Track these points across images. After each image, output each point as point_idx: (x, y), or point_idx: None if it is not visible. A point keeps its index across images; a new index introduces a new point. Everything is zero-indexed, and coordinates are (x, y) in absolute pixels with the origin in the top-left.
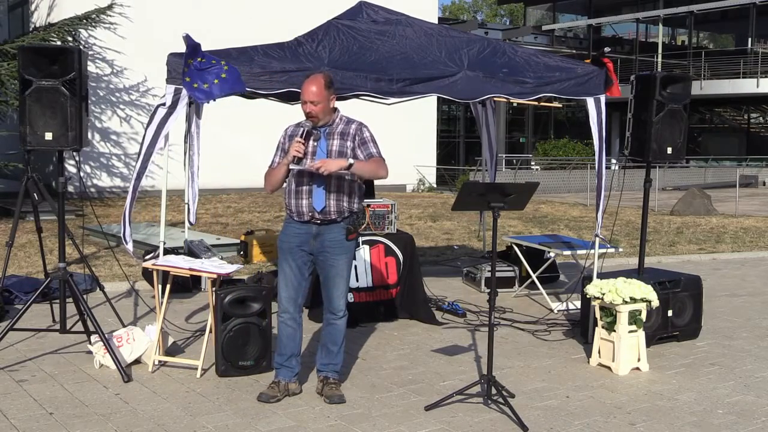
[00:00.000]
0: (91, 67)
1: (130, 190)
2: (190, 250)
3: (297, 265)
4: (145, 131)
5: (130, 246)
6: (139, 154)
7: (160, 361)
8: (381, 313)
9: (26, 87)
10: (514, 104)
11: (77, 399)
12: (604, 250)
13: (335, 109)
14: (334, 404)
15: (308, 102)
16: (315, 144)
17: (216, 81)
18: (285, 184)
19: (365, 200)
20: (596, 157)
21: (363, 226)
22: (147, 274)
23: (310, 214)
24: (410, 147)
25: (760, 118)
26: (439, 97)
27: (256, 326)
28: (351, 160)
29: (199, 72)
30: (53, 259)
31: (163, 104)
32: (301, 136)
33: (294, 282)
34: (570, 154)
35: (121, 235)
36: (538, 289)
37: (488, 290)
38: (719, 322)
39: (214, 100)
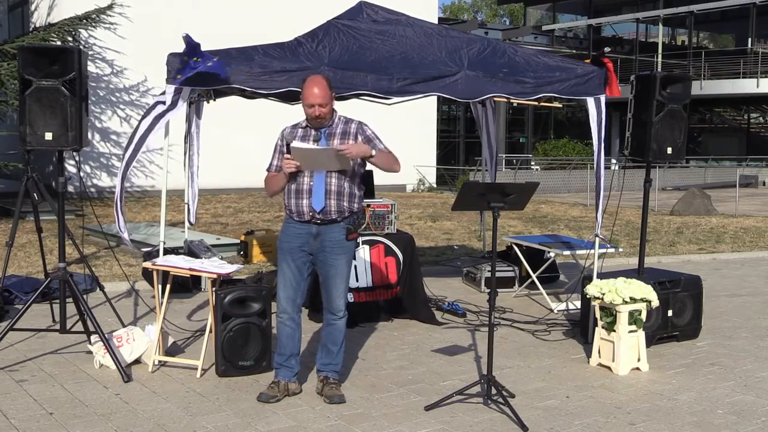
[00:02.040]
0: (91, 67)
1: (119, 178)
2: (190, 250)
3: (297, 266)
4: (140, 122)
5: (125, 235)
6: (130, 141)
7: (160, 361)
8: (381, 313)
9: (26, 87)
10: (514, 104)
11: (77, 399)
12: (604, 250)
13: (333, 110)
14: (334, 404)
15: (316, 105)
16: (316, 144)
17: (201, 68)
18: (292, 183)
19: (365, 200)
20: (595, 157)
21: (363, 227)
22: (147, 274)
23: (310, 214)
24: (410, 147)
25: (760, 118)
26: (439, 97)
27: (256, 326)
28: (374, 151)
29: (192, 70)
30: (53, 259)
31: (163, 102)
32: (287, 151)
33: (293, 282)
34: (570, 154)
35: (116, 226)
36: (538, 289)
37: (488, 290)
38: (719, 322)
39: (190, 75)
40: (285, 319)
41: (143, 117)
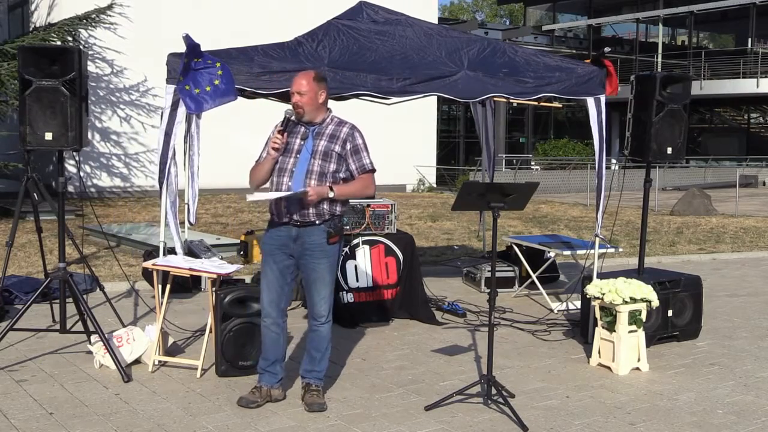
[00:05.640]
0: (91, 67)
1: (164, 191)
2: (190, 250)
3: (279, 268)
4: (159, 137)
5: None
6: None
7: (160, 361)
8: (381, 313)
9: (26, 87)
10: (514, 104)
11: (77, 399)
12: (604, 250)
13: (328, 109)
14: (314, 412)
15: (296, 93)
16: (302, 143)
17: (208, 88)
18: (267, 184)
19: (365, 201)
20: (596, 157)
21: (363, 228)
22: (147, 274)
23: (288, 215)
24: (410, 147)
25: (760, 118)
26: (439, 97)
27: (256, 326)
28: (331, 194)
29: (194, 73)
30: (53, 259)
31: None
32: (281, 125)
33: (276, 285)
34: (570, 154)
35: (172, 234)
36: (538, 289)
37: (488, 290)
38: (719, 322)
39: (202, 111)
40: (269, 324)
41: (160, 131)
